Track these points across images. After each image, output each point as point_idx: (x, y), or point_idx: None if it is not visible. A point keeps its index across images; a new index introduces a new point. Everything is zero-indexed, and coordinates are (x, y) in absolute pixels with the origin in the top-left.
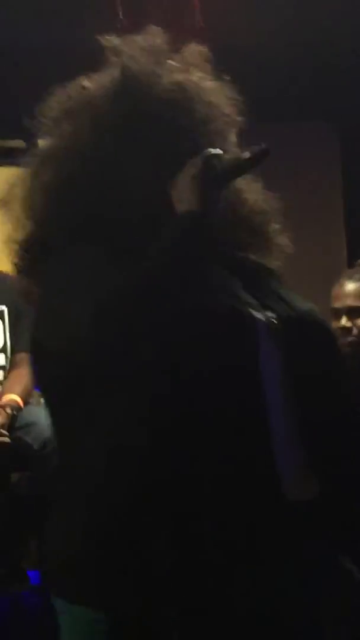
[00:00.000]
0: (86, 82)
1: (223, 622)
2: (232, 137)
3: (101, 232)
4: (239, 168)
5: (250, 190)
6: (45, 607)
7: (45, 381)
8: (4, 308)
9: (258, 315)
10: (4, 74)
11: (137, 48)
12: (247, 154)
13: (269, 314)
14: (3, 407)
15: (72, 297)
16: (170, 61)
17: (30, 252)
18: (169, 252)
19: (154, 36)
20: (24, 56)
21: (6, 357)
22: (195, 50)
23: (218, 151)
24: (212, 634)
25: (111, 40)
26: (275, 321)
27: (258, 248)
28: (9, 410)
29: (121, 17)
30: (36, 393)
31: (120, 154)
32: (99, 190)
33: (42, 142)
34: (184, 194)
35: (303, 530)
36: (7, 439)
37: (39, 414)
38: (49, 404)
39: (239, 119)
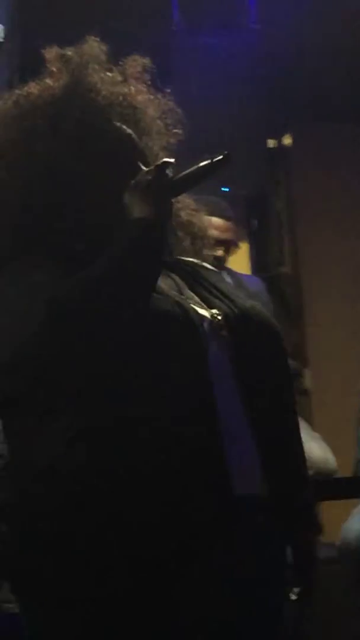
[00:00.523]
0: (32, 89)
1: (166, 621)
2: (165, 151)
3: (53, 241)
4: (195, 177)
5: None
6: None
7: None
8: None
9: (204, 312)
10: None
11: (84, 57)
12: (204, 163)
13: (214, 311)
14: None
15: (20, 307)
16: (108, 73)
17: None
18: (119, 259)
19: (92, 47)
20: None
21: None
22: (135, 62)
23: (171, 160)
24: (157, 632)
25: (54, 49)
26: (219, 318)
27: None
28: None
29: (176, 19)
30: None
31: (75, 161)
32: (53, 197)
33: None
34: (137, 201)
35: (251, 525)
36: None
37: None
38: None
39: (176, 131)
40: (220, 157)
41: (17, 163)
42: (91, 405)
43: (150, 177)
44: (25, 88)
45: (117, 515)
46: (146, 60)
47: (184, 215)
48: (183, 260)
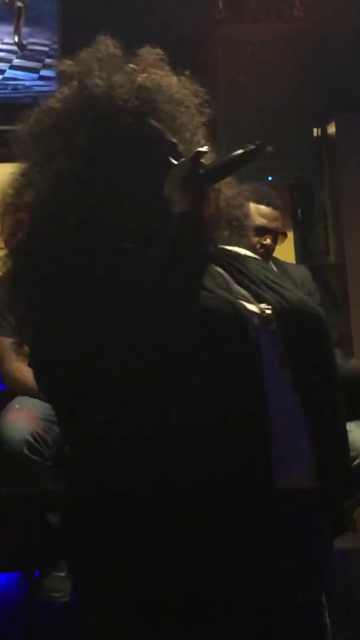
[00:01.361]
0: (53, 103)
1: (214, 618)
2: (201, 130)
3: (96, 248)
4: (229, 167)
5: (224, 183)
6: None
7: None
8: None
9: (252, 308)
10: None
11: (93, 61)
12: (238, 152)
13: (263, 305)
14: None
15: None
16: (129, 65)
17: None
18: (165, 257)
19: (106, 45)
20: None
21: None
22: (150, 51)
23: (205, 149)
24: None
25: (64, 62)
26: (269, 312)
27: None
28: None
29: (221, 8)
30: None
31: (96, 173)
32: (84, 212)
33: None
34: (176, 196)
35: (296, 522)
36: None
37: None
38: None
39: (207, 110)
40: (253, 146)
41: (42, 184)
42: (144, 401)
43: (185, 169)
44: (46, 103)
45: (161, 504)
46: (159, 51)
47: (222, 203)
48: (225, 249)
